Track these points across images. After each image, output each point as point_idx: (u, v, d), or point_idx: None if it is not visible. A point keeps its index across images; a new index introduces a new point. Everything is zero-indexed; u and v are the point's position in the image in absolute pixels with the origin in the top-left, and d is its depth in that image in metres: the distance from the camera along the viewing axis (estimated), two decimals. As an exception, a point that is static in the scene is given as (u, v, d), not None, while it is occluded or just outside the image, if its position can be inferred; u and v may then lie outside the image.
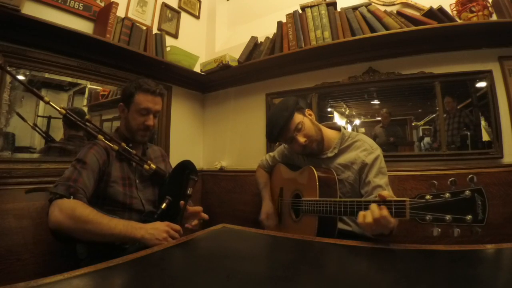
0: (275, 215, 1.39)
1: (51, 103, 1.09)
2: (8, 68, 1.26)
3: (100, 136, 1.12)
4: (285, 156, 1.48)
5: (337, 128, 1.30)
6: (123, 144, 1.14)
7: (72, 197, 0.90)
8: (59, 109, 1.09)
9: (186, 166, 1.16)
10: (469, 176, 0.63)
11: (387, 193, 0.82)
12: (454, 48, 1.54)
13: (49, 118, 1.44)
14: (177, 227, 0.96)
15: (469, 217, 0.63)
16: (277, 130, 1.18)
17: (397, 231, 0.92)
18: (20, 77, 1.31)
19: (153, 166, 1.18)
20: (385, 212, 0.76)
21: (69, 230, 0.87)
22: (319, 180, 1.09)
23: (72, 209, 0.87)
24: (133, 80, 1.20)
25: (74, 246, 1.07)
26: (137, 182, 1.17)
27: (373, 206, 0.78)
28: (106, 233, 0.87)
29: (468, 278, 0.57)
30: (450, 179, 0.66)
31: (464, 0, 1.52)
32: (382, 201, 0.79)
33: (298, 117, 1.19)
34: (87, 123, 1.16)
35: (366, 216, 0.79)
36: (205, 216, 1.10)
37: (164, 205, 1.08)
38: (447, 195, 0.66)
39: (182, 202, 1.05)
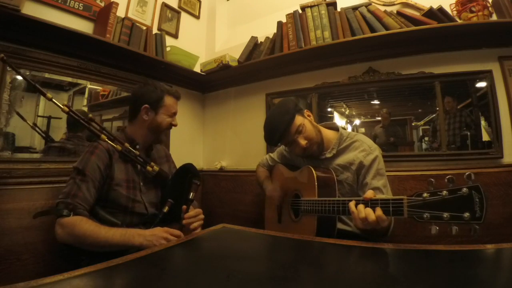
0: (280, 188, 1.37)
1: (53, 100, 1.08)
2: (8, 69, 1.26)
3: (103, 136, 1.11)
4: (284, 157, 1.48)
5: (335, 128, 1.30)
6: (126, 144, 1.13)
7: (72, 213, 0.96)
8: (62, 106, 1.07)
9: (188, 170, 1.16)
10: (466, 174, 0.63)
11: (372, 192, 0.84)
12: (454, 48, 1.54)
13: (49, 118, 1.44)
14: (176, 232, 0.96)
15: (466, 214, 0.62)
16: (278, 134, 1.17)
17: (397, 231, 0.92)
18: (20, 78, 1.31)
19: (156, 168, 1.16)
20: (368, 211, 0.81)
21: (73, 244, 0.95)
22: (318, 180, 1.09)
23: (71, 227, 0.93)
24: (151, 84, 1.25)
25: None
26: (141, 185, 1.16)
27: (359, 207, 0.83)
28: (105, 245, 0.93)
29: (468, 278, 0.57)
30: (447, 177, 0.66)
31: (464, 0, 1.52)
32: (381, 200, 0.80)
33: (298, 119, 1.18)
34: (90, 122, 1.15)
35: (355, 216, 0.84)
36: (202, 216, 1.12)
37: (166, 208, 1.07)
38: (445, 192, 0.65)
39: (184, 206, 1.05)
